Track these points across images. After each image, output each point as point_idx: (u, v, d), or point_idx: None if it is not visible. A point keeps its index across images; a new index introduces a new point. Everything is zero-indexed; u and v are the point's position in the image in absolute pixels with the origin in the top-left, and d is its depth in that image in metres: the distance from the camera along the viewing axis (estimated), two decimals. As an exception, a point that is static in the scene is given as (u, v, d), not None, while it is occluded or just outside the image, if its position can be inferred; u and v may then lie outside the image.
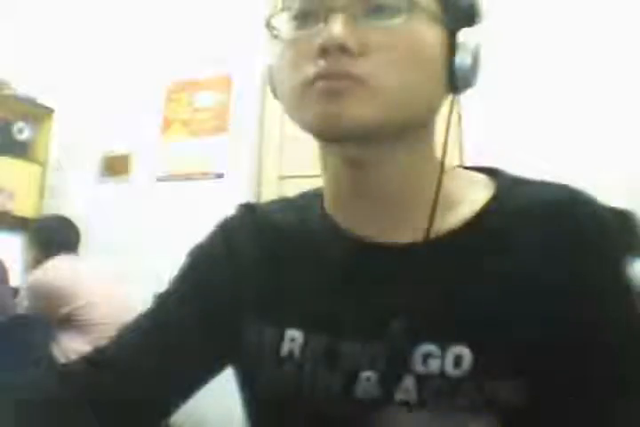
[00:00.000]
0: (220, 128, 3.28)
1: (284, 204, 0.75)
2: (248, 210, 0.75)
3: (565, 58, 2.49)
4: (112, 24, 3.64)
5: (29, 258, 2.79)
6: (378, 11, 0.58)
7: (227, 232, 0.73)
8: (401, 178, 0.63)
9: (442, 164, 0.64)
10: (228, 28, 3.28)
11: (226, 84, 3.32)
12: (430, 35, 0.59)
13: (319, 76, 0.57)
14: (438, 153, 0.65)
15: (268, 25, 0.63)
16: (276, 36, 0.63)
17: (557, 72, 2.50)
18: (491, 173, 0.68)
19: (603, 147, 2.38)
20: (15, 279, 2.80)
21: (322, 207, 0.69)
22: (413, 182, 0.63)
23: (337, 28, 0.56)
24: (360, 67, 0.56)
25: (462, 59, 0.61)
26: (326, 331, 0.63)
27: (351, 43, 0.56)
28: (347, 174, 0.63)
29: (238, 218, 0.74)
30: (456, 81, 0.61)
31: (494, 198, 0.63)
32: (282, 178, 3.06)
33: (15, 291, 2.76)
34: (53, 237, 2.76)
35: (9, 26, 3.46)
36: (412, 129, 0.61)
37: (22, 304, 2.65)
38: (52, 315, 2.55)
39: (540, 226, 0.60)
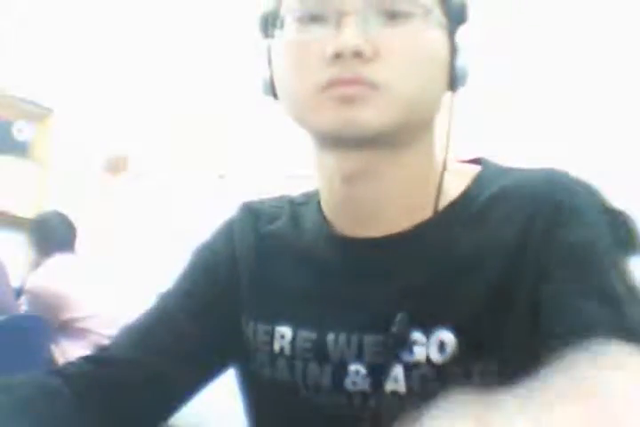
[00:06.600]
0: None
1: (285, 204, 0.74)
2: (250, 212, 0.74)
3: (567, 58, 2.50)
4: (112, 24, 3.63)
5: (31, 258, 2.78)
6: (391, 15, 0.58)
7: (229, 234, 0.74)
8: (394, 191, 0.63)
9: (443, 165, 0.64)
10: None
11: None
12: (437, 38, 0.60)
13: (333, 83, 0.57)
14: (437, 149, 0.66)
15: (264, 24, 0.62)
16: (272, 37, 0.62)
17: (559, 73, 2.50)
18: (479, 163, 0.68)
19: (602, 147, 2.38)
20: (16, 279, 2.80)
21: (319, 206, 0.69)
22: (407, 189, 0.64)
23: (350, 32, 0.56)
24: (374, 72, 0.56)
25: (464, 59, 0.61)
26: (313, 326, 0.65)
27: (365, 48, 0.56)
28: (340, 190, 0.64)
29: (240, 221, 0.74)
30: (456, 81, 0.62)
31: (472, 186, 0.64)
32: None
33: (17, 291, 2.75)
34: (50, 235, 2.74)
35: (8, 25, 3.46)
36: (420, 132, 0.63)
37: (24, 307, 2.65)
38: (53, 319, 2.54)
39: (517, 209, 0.60)
